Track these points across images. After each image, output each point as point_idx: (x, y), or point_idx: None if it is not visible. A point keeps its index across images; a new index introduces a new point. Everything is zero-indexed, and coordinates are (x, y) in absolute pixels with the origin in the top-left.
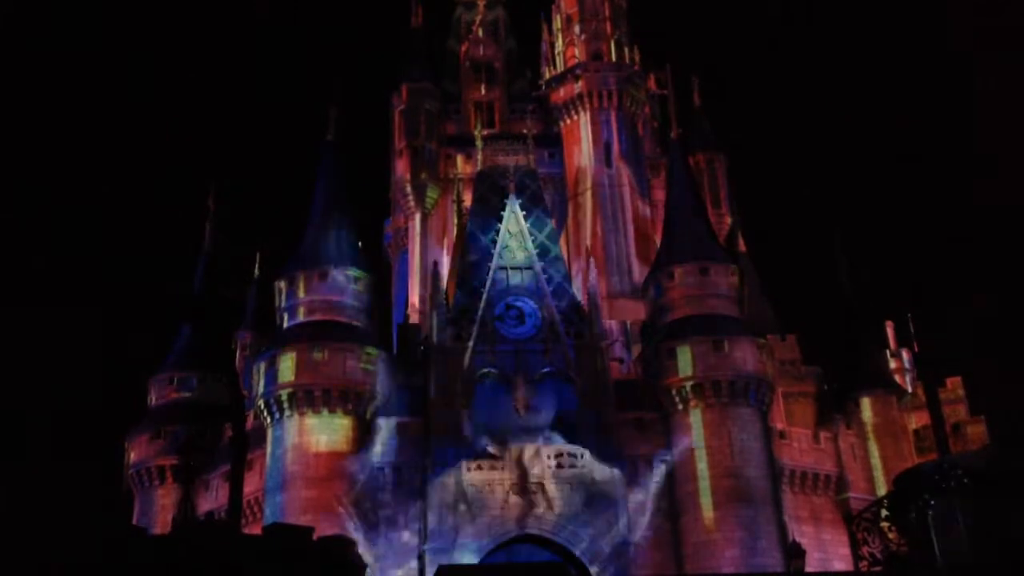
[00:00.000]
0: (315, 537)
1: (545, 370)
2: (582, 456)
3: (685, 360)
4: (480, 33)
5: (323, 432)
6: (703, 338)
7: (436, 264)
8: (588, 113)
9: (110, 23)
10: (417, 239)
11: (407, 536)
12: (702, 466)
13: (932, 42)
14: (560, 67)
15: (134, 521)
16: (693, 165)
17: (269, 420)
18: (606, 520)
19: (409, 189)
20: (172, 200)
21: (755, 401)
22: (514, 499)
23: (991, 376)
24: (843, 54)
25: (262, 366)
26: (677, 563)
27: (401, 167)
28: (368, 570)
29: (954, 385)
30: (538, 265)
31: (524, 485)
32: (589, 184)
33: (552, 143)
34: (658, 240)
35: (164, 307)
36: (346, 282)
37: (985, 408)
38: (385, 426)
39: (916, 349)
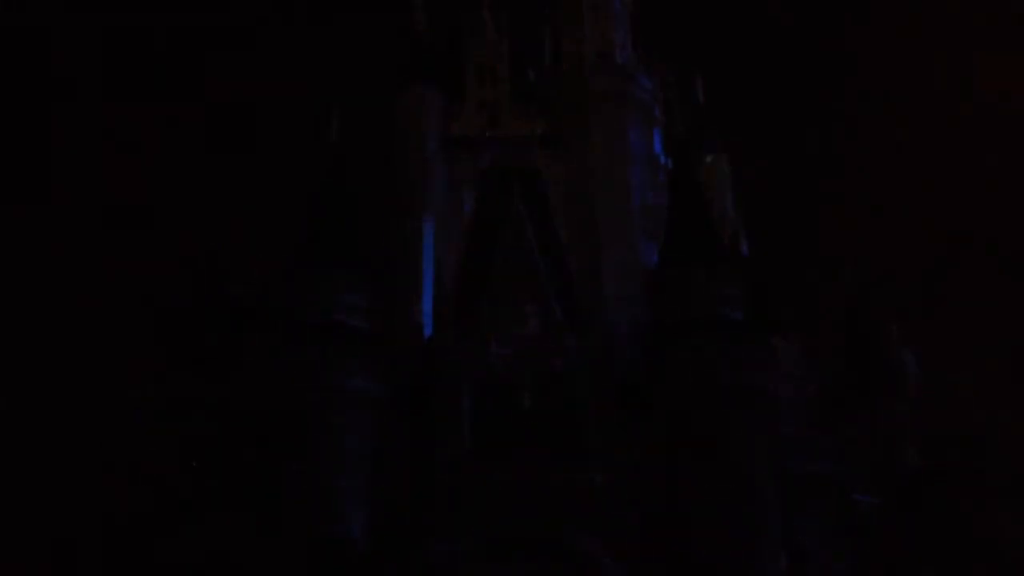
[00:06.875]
0: None
1: (549, 370)
2: (585, 456)
3: (689, 361)
4: (484, 32)
5: None
6: (707, 339)
7: (440, 264)
8: (592, 112)
9: (112, 15)
10: (420, 239)
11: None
12: (707, 466)
13: (934, 41)
14: (564, 66)
15: None
16: (697, 165)
17: None
18: (610, 520)
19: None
20: None
21: (759, 401)
22: (517, 499)
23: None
24: (848, 53)
25: None
26: (681, 563)
27: (404, 166)
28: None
29: None
30: (542, 264)
31: (527, 484)
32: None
33: (556, 142)
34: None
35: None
36: (350, 283)
37: None
38: (389, 426)
39: (919, 348)
